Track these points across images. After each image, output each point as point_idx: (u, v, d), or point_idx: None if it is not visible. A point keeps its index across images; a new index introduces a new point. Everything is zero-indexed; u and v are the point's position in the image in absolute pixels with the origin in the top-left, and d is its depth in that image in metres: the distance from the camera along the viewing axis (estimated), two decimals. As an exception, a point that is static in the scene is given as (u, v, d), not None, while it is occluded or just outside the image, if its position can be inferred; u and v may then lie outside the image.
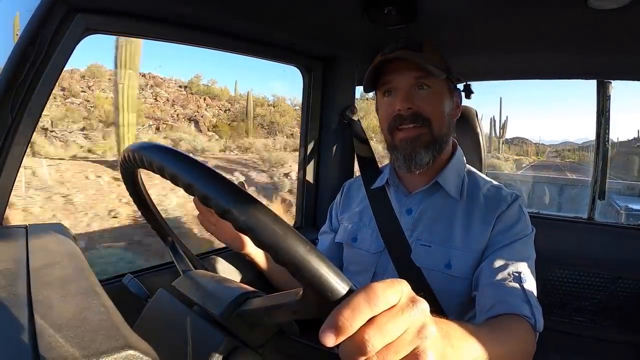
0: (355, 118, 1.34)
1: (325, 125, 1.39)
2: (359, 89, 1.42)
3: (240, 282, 0.86)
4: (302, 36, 1.16)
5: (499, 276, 0.74)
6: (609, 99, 1.42)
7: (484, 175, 0.93)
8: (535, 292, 0.73)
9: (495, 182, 0.91)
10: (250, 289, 0.50)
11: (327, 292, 0.32)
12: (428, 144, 0.83)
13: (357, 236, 0.95)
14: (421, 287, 0.82)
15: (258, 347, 0.46)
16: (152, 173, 0.43)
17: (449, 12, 0.96)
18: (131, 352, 0.33)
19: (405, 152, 0.84)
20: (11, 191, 0.73)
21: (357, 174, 1.11)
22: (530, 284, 0.74)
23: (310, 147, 1.39)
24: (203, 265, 0.66)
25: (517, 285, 0.72)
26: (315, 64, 1.34)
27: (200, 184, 0.36)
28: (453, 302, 0.83)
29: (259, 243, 0.34)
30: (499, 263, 0.76)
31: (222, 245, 0.98)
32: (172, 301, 0.52)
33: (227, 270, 1.09)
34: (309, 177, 1.41)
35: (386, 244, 0.88)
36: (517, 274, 0.73)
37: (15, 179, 0.73)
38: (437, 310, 0.81)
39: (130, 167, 0.49)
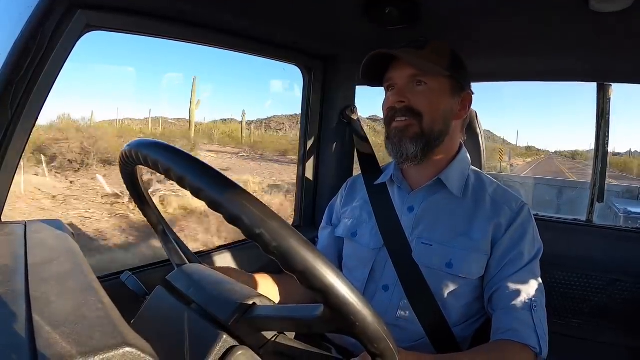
0: (354, 117, 1.34)
1: (325, 124, 1.39)
2: (359, 89, 1.42)
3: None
4: (303, 35, 1.15)
5: (513, 302, 0.78)
6: (609, 102, 1.41)
7: (491, 177, 0.94)
8: (544, 319, 0.79)
9: (502, 185, 0.91)
10: (255, 292, 0.50)
11: (350, 316, 0.36)
12: (415, 136, 0.85)
13: (356, 231, 0.95)
14: (420, 286, 0.82)
15: (258, 348, 0.46)
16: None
17: (450, 13, 0.96)
18: (129, 349, 0.33)
19: (394, 142, 0.87)
20: (10, 187, 0.73)
21: (356, 174, 1.11)
22: (541, 310, 0.79)
23: (309, 146, 1.39)
24: (198, 260, 0.66)
25: (528, 314, 0.77)
26: (315, 63, 1.34)
27: (230, 205, 0.35)
28: (457, 304, 0.83)
29: (288, 268, 0.35)
30: (513, 287, 0.79)
31: (221, 242, 0.98)
32: (170, 298, 0.52)
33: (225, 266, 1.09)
34: (308, 176, 1.41)
35: (385, 240, 0.88)
36: (529, 302, 0.78)
37: (14, 174, 0.73)
38: (437, 311, 0.81)
39: (131, 164, 0.49)
